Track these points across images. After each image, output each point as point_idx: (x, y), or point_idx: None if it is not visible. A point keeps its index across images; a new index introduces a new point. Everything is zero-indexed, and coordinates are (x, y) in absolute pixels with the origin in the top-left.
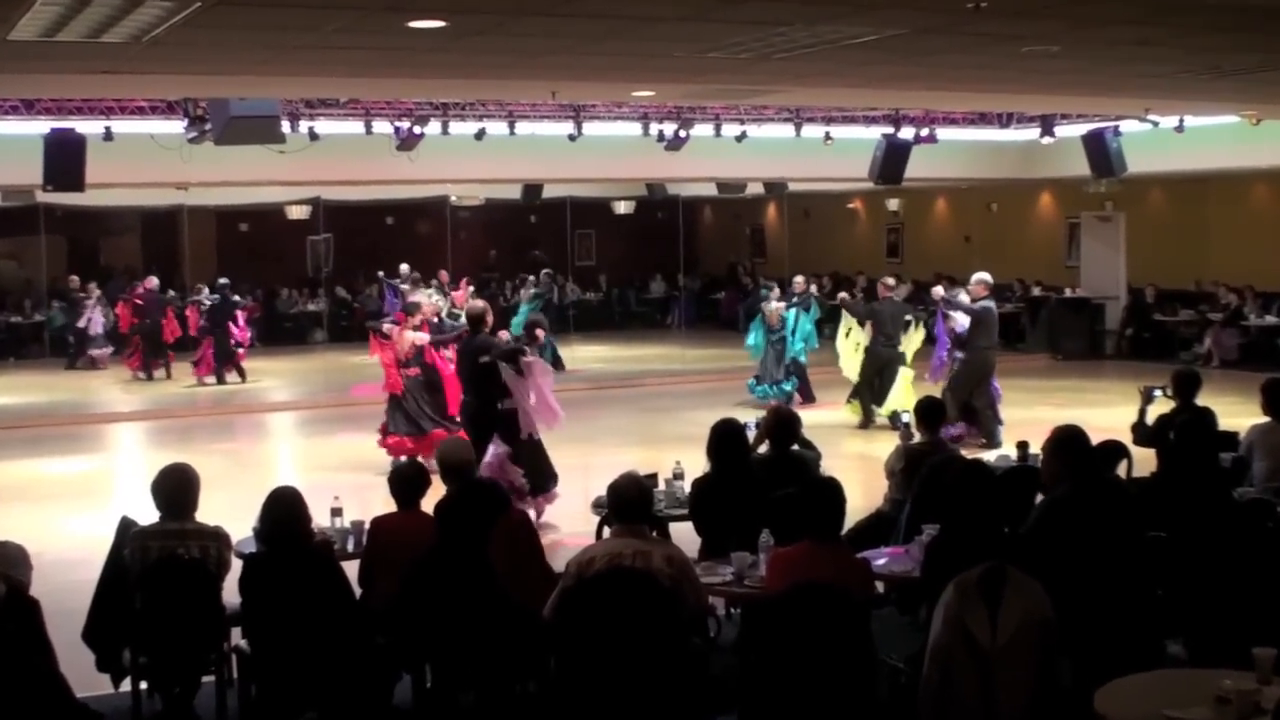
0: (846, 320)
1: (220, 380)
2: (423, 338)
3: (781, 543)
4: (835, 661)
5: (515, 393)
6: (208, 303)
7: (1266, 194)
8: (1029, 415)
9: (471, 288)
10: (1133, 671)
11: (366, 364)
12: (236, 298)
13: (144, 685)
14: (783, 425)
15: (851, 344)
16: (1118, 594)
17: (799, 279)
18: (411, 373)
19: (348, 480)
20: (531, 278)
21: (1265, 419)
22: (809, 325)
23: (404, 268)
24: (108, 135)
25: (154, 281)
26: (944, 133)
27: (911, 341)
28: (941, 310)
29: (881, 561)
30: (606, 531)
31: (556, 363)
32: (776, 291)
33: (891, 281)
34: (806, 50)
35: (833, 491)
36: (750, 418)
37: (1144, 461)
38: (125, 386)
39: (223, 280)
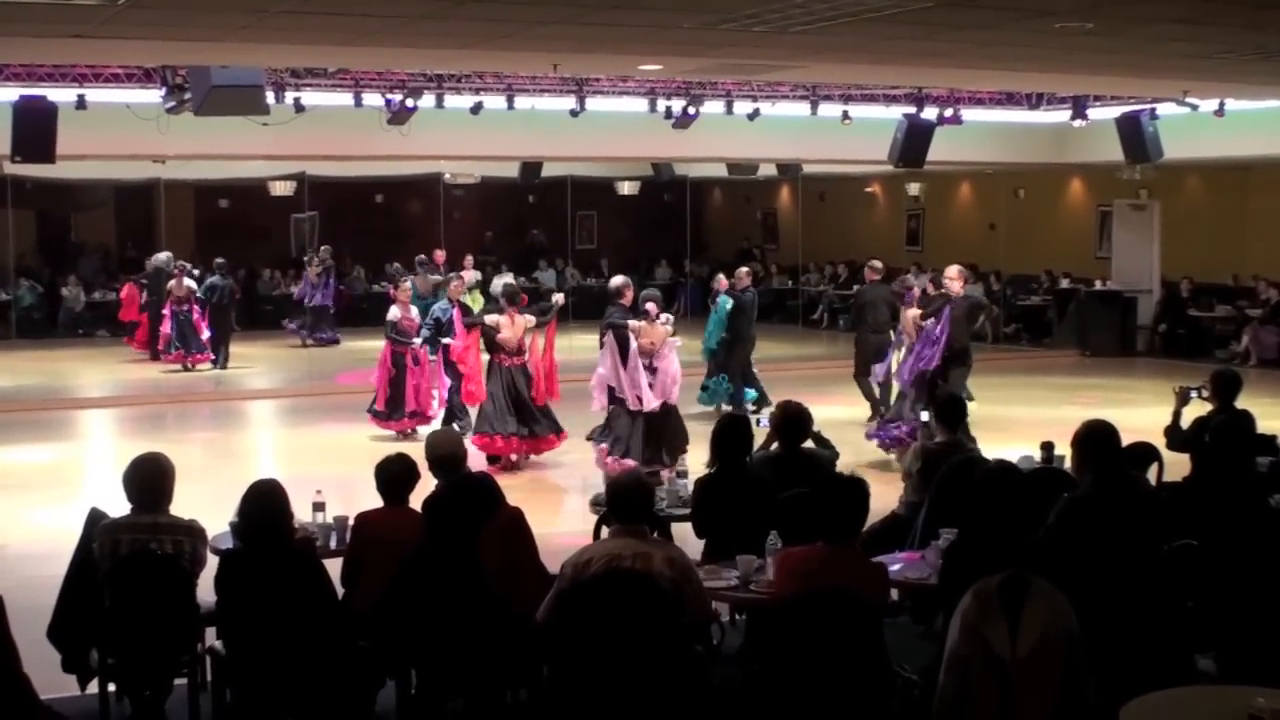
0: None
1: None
2: (531, 318)
3: (790, 545)
4: (845, 672)
5: (602, 363)
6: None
7: None
8: (1055, 415)
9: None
10: (1160, 687)
11: (352, 350)
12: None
13: (112, 687)
14: (791, 421)
15: None
16: (1144, 604)
17: (743, 269)
18: (517, 362)
19: (331, 473)
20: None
21: None
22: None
23: (324, 250)
24: (80, 104)
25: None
26: (969, 113)
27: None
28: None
29: (896, 567)
30: (605, 531)
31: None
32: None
33: (879, 264)
34: (825, 23)
35: (854, 490)
36: (763, 414)
37: (1176, 466)
38: (102, 369)
39: (219, 260)
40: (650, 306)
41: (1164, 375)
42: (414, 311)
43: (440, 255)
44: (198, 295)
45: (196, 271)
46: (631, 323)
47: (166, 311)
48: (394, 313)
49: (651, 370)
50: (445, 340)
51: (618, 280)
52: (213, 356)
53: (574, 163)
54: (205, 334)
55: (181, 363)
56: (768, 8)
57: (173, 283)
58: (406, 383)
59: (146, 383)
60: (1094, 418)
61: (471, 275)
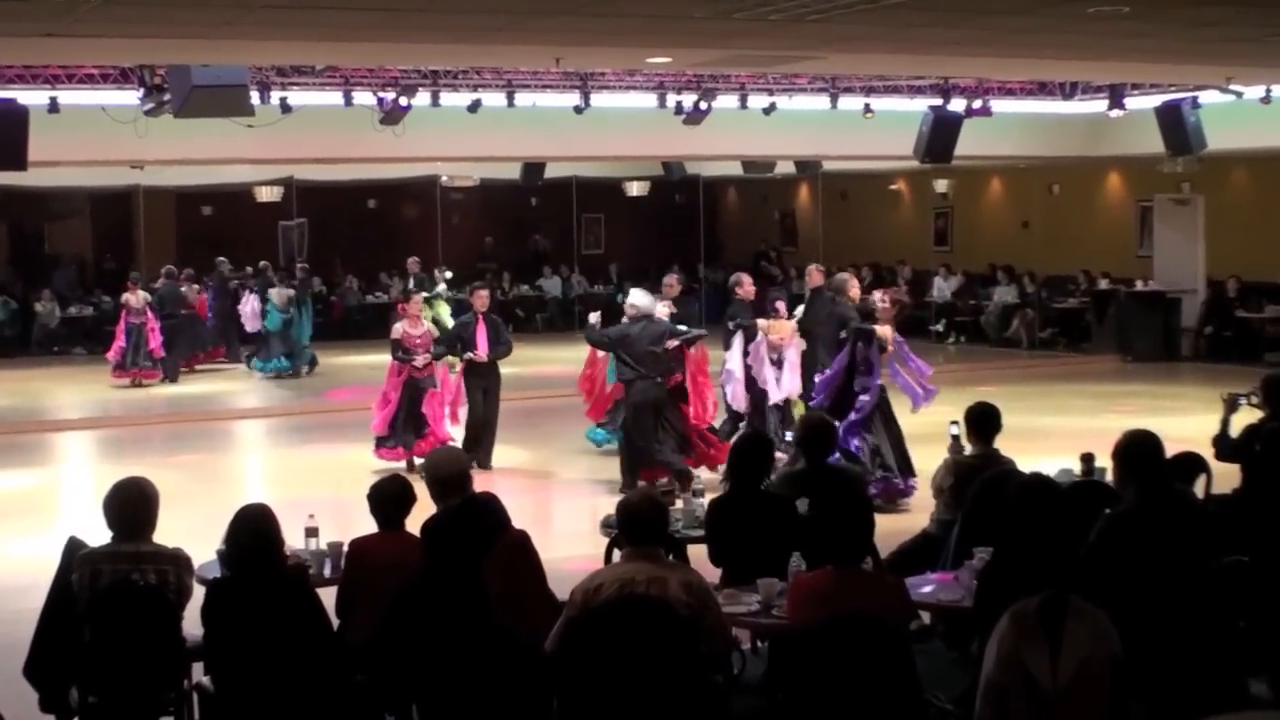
0: None
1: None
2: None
3: (812, 568)
4: (874, 702)
5: (730, 359)
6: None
7: None
8: (1095, 424)
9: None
10: (1210, 713)
11: (347, 366)
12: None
13: None
14: (814, 434)
15: None
16: (1192, 625)
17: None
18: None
19: (324, 496)
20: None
21: None
22: None
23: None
24: (53, 107)
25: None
26: (999, 105)
27: None
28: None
29: (928, 589)
30: (616, 555)
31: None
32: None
33: (823, 268)
34: (843, 10)
35: (853, 508)
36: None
37: (1225, 478)
38: (80, 389)
39: (168, 267)
40: (779, 305)
41: (1211, 381)
42: (424, 326)
43: (414, 263)
44: (151, 305)
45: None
46: (760, 321)
47: (120, 326)
48: (397, 329)
49: (778, 364)
50: (468, 355)
51: (737, 277)
52: (162, 373)
53: (579, 163)
54: (156, 347)
55: (133, 379)
56: None
57: (127, 295)
58: (406, 404)
59: (127, 403)
60: (1137, 427)
61: (441, 287)
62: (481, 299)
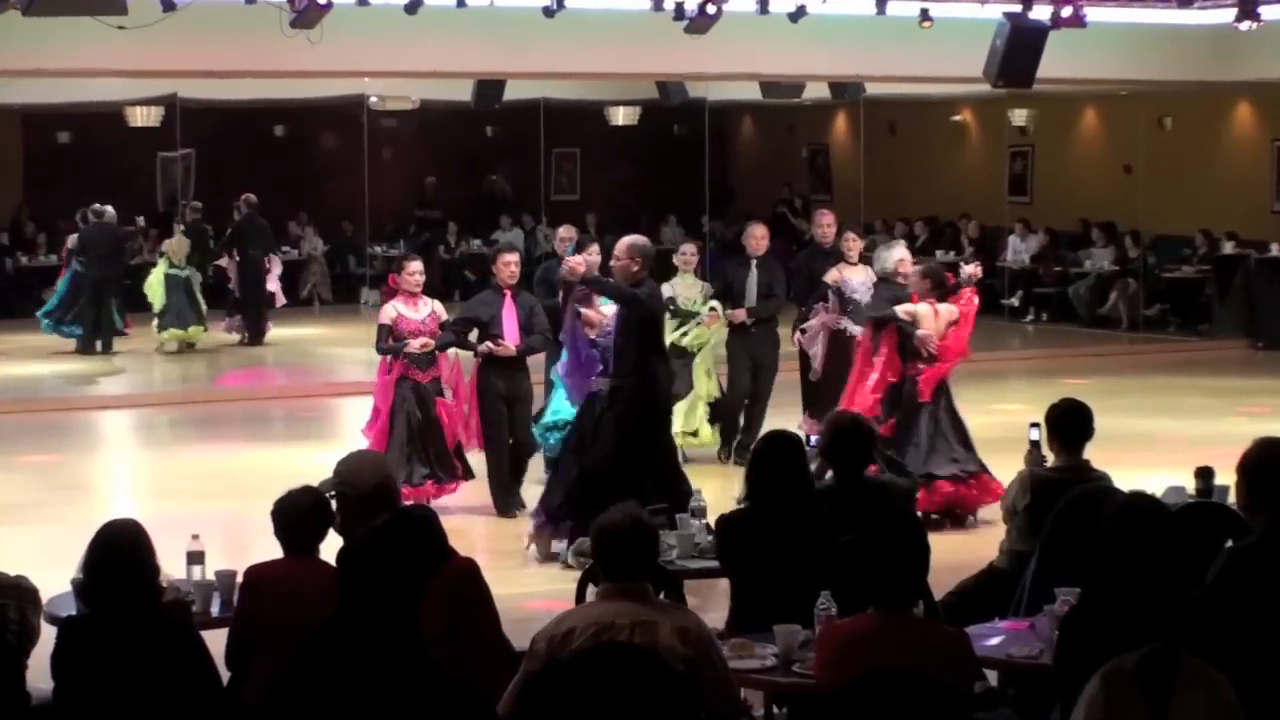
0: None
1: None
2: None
3: (845, 611)
4: None
5: None
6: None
7: None
8: (1215, 430)
9: None
10: None
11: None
12: None
13: None
14: (844, 440)
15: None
16: None
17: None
18: None
19: (213, 512)
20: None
21: None
22: None
23: None
24: None
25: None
26: (1095, 13)
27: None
28: None
29: (995, 641)
30: (591, 592)
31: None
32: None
33: (760, 232)
34: None
35: (907, 537)
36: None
37: None
38: None
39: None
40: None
41: None
42: (425, 307)
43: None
44: None
45: None
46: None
47: None
48: (388, 311)
49: None
50: (487, 348)
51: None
52: None
53: (549, 81)
54: None
55: None
56: None
57: None
58: (405, 418)
59: None
60: (1268, 435)
61: (178, 240)
62: (508, 268)
